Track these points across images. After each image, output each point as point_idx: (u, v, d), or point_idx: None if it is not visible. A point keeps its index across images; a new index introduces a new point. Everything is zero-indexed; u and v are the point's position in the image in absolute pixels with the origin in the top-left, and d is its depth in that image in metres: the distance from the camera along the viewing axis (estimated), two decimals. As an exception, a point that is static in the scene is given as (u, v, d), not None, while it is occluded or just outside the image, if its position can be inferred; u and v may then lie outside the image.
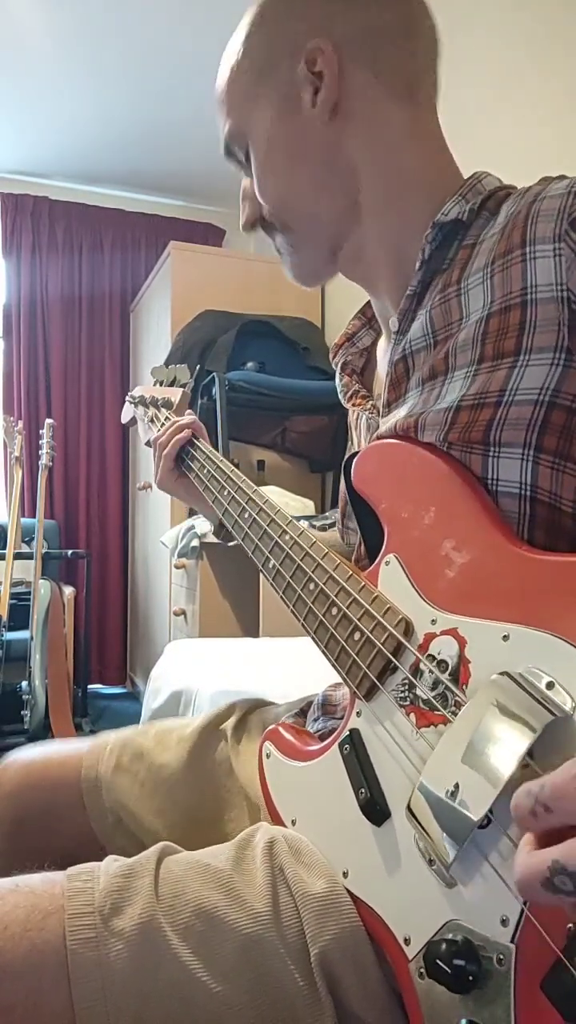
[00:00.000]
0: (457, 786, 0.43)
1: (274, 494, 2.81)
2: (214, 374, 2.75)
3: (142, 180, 4.00)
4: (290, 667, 1.72)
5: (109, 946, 0.49)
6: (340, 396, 0.83)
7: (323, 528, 2.54)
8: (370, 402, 0.77)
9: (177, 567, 2.97)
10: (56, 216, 4.00)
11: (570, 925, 0.35)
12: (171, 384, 1.15)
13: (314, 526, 2.53)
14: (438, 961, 0.40)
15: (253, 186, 0.76)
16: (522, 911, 0.39)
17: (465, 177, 0.69)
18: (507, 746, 0.41)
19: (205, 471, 0.89)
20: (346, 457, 0.74)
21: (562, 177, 0.60)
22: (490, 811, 0.41)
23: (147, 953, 0.49)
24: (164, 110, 3.30)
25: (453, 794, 0.43)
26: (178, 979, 0.48)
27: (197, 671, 1.73)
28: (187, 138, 3.49)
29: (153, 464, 1.01)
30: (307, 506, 2.84)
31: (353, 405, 0.79)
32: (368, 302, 0.82)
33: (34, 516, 3.11)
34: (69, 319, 4.05)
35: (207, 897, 0.51)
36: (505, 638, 0.46)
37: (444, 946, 0.40)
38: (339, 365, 0.84)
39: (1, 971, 0.47)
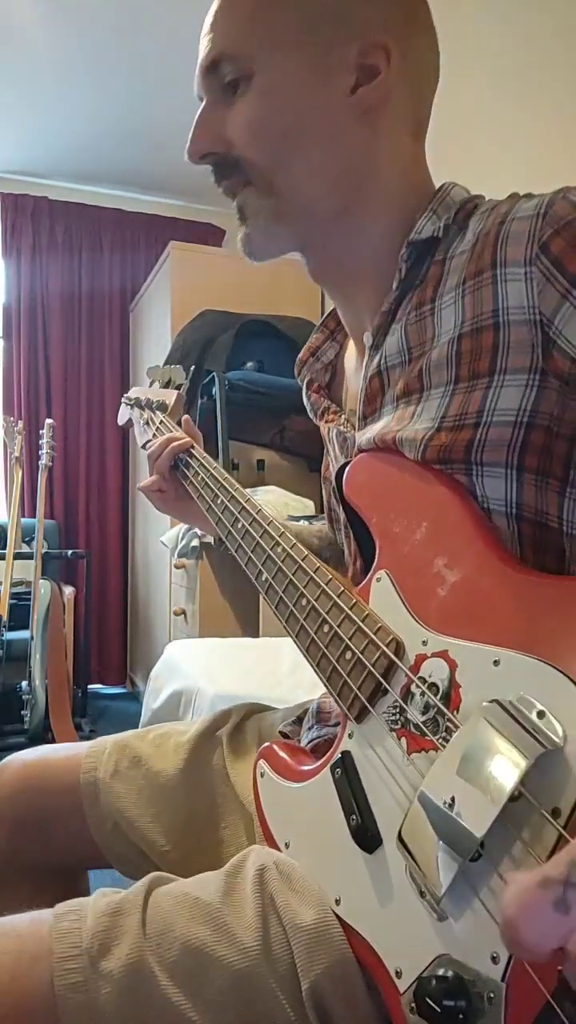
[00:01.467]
0: (453, 799, 0.42)
1: (274, 494, 2.81)
2: (214, 374, 2.75)
3: (142, 180, 3.99)
4: (290, 668, 1.72)
5: (98, 989, 0.48)
6: (311, 415, 0.83)
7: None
8: (342, 416, 0.76)
9: (177, 567, 2.97)
10: (56, 216, 3.99)
11: (560, 967, 0.35)
12: (166, 385, 1.14)
13: (313, 526, 2.52)
14: (428, 999, 0.39)
15: (236, 124, 0.67)
16: (512, 949, 0.38)
17: (432, 192, 0.68)
18: (498, 777, 0.40)
19: (199, 478, 0.88)
20: (336, 468, 0.74)
21: (530, 196, 0.60)
22: (480, 846, 0.40)
23: (136, 994, 0.48)
24: (164, 110, 3.29)
25: (450, 806, 0.42)
26: (168, 1019, 0.48)
27: (197, 671, 1.73)
28: (187, 138, 3.46)
29: (149, 475, 1.00)
30: (307, 506, 2.83)
31: (325, 422, 0.79)
32: (330, 313, 0.82)
33: (34, 516, 3.11)
34: (69, 319, 4.04)
35: (196, 933, 0.51)
36: (496, 663, 0.46)
37: (434, 983, 0.39)
38: (305, 382, 0.83)
39: None
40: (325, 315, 0.83)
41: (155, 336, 3.49)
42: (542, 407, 0.55)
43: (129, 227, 4.11)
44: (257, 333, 3.03)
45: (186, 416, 1.03)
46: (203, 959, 0.50)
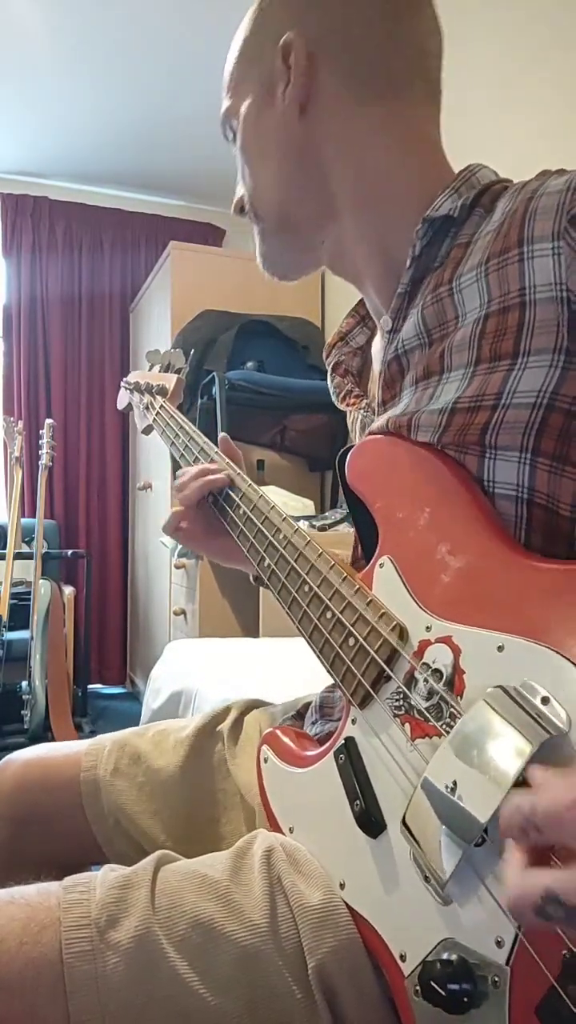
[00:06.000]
0: (455, 784, 0.42)
1: (274, 494, 2.80)
2: (214, 373, 2.75)
3: (142, 180, 3.99)
4: (290, 667, 1.71)
5: (106, 959, 0.48)
6: (333, 397, 0.82)
7: (323, 528, 2.53)
8: (364, 401, 0.76)
9: (177, 567, 2.97)
10: (56, 216, 3.99)
11: (565, 952, 0.34)
12: (166, 369, 1.13)
13: (313, 526, 2.52)
14: (433, 983, 0.39)
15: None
16: (517, 934, 0.38)
17: (457, 172, 0.67)
18: (502, 763, 0.40)
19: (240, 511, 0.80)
20: (340, 451, 0.73)
21: (561, 171, 0.58)
22: (484, 831, 0.40)
23: (144, 966, 0.48)
24: (164, 110, 3.29)
25: (452, 791, 0.42)
26: (175, 992, 0.48)
27: (197, 671, 1.73)
28: (187, 138, 3.48)
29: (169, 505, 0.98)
30: (307, 506, 2.83)
31: (347, 405, 0.78)
32: (362, 299, 0.81)
33: (34, 516, 3.11)
34: (69, 319, 4.04)
35: (204, 908, 0.51)
36: (500, 649, 0.45)
37: (439, 967, 0.39)
38: (331, 365, 0.82)
39: None
40: (357, 302, 0.82)
41: (155, 336, 3.49)
42: (564, 389, 0.53)
43: (129, 227, 4.11)
44: (257, 333, 3.04)
45: (224, 435, 0.92)
46: (211, 934, 0.50)
